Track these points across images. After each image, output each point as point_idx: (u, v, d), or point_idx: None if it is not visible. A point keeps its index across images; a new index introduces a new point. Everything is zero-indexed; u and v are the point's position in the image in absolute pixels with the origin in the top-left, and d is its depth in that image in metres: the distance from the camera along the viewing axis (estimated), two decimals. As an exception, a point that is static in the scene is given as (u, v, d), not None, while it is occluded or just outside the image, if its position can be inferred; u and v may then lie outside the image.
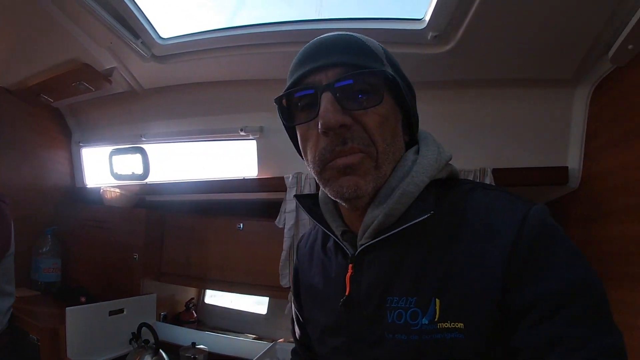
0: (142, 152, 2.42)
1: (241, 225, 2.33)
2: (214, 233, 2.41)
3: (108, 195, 2.46)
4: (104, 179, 2.61)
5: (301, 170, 2.08)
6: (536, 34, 1.39)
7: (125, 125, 2.45)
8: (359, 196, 0.64)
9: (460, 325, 0.57)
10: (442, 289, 0.60)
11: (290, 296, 2.00)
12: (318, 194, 0.82)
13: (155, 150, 2.46)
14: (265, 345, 2.16)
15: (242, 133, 2.12)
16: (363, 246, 0.67)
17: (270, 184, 2.15)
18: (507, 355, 0.55)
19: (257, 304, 2.72)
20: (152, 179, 2.47)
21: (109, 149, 2.52)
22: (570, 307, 0.52)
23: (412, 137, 0.75)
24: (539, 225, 0.57)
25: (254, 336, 2.55)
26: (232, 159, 2.34)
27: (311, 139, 0.66)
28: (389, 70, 0.66)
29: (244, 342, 2.33)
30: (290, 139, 0.79)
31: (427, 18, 1.41)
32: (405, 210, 0.64)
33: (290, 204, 2.05)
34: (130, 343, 2.04)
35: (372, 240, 0.66)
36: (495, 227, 0.59)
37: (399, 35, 1.50)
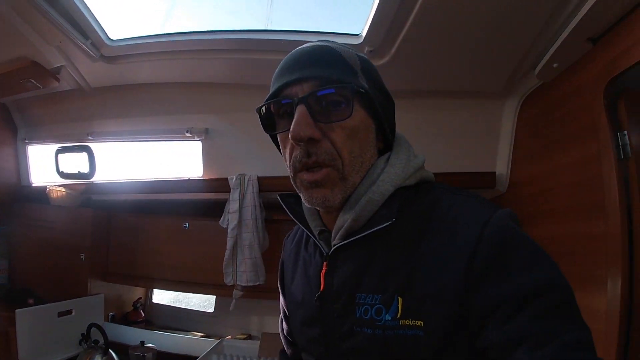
0: (88, 150, 2.48)
1: (187, 224, 2.45)
2: (160, 232, 2.51)
3: (54, 195, 2.50)
4: (50, 177, 2.64)
5: (245, 172, 2.20)
6: (468, 50, 1.53)
7: (72, 123, 2.50)
8: (328, 206, 0.71)
9: (420, 323, 0.62)
10: (405, 288, 0.65)
11: (235, 293, 2.15)
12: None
13: (102, 149, 2.53)
14: (212, 342, 2.28)
15: (188, 134, 2.22)
16: (336, 246, 0.73)
17: (214, 185, 2.26)
18: (469, 354, 0.60)
19: (204, 303, 2.84)
20: (98, 178, 2.53)
21: (55, 146, 2.57)
22: (535, 305, 0.54)
23: (387, 144, 0.80)
24: (500, 229, 0.61)
25: (202, 334, 2.65)
26: (179, 159, 2.43)
27: (287, 147, 0.71)
28: (363, 81, 0.71)
29: (192, 339, 2.45)
30: (274, 142, 0.82)
31: (364, 34, 1.53)
32: (371, 216, 0.70)
33: (233, 205, 2.17)
34: (80, 344, 2.11)
35: (343, 241, 0.72)
36: (458, 232, 0.63)
37: None
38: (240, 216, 2.17)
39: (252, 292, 2.22)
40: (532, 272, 0.57)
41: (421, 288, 0.64)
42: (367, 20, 1.47)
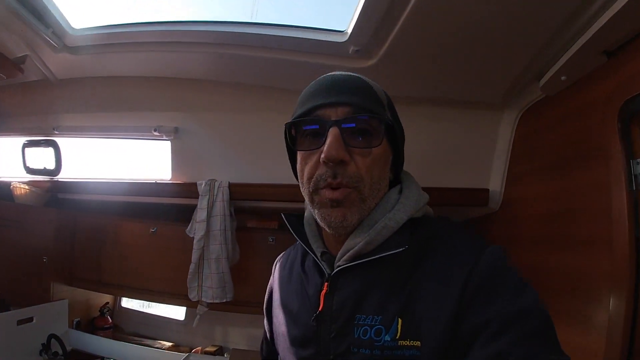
0: (54, 145, 2.29)
1: (155, 229, 2.24)
2: (127, 236, 2.31)
3: (17, 192, 2.31)
4: (15, 172, 2.46)
5: (215, 177, 1.99)
6: (465, 56, 1.34)
7: (38, 115, 2.29)
8: (345, 226, 0.73)
9: (418, 343, 0.65)
10: (404, 310, 0.68)
11: (200, 308, 1.96)
12: (304, 213, 0.90)
13: (69, 145, 2.33)
14: (179, 356, 2.11)
15: (156, 133, 1.99)
16: (340, 267, 0.75)
17: (182, 190, 2.06)
18: None
19: (175, 308, 2.65)
20: (65, 175, 2.34)
21: (22, 139, 2.37)
22: (519, 327, 0.58)
23: (395, 176, 0.84)
24: (493, 260, 0.66)
25: (171, 344, 2.50)
26: (149, 159, 2.24)
27: (310, 163, 0.74)
28: (389, 115, 0.76)
29: (159, 353, 2.28)
30: (289, 158, 0.86)
31: (349, 31, 1.38)
32: (383, 242, 0.72)
33: (201, 213, 1.96)
34: (40, 354, 1.96)
35: (349, 263, 0.74)
36: (455, 260, 0.68)
37: (321, 45, 1.45)
38: (208, 226, 1.96)
39: (221, 305, 2.02)
40: (517, 300, 0.61)
41: (420, 310, 0.67)
42: (353, 16, 1.33)
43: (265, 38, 1.51)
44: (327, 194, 0.72)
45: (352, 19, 1.32)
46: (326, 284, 0.77)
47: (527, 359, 0.56)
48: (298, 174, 0.80)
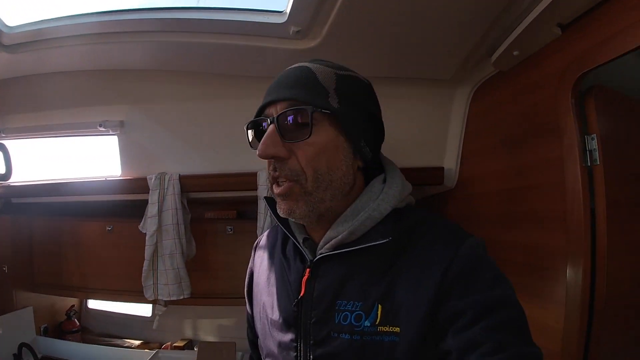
0: (3, 149, 2.11)
1: (111, 227, 2.13)
2: (84, 237, 2.20)
3: (-31, 201, 2.19)
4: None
5: (165, 170, 1.86)
6: (414, 32, 1.23)
7: (-18, 119, 2.15)
8: (295, 218, 0.75)
9: (397, 329, 0.66)
10: (384, 297, 0.68)
11: (158, 308, 1.87)
12: None
13: (20, 147, 2.16)
14: (148, 354, 2.04)
15: (102, 128, 1.84)
16: (322, 255, 0.75)
17: (133, 186, 1.91)
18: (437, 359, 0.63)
19: (142, 306, 2.57)
20: (16, 179, 2.17)
21: (-31, 145, 2.22)
22: (492, 317, 0.59)
23: (367, 162, 0.79)
24: (471, 251, 0.67)
25: (140, 341, 2.42)
26: (99, 156, 2.09)
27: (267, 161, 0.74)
28: (334, 101, 0.71)
29: (127, 352, 2.22)
30: None
31: (288, 11, 1.27)
32: (367, 232, 0.72)
33: (152, 208, 1.82)
34: None
35: (331, 251, 0.73)
36: (435, 250, 0.68)
37: (262, 28, 1.35)
38: (159, 221, 1.83)
39: (181, 300, 1.90)
40: (492, 292, 0.62)
41: (400, 297, 0.67)
42: None
43: (207, 23, 1.39)
44: (274, 189, 0.74)
45: (289, -2, 1.21)
46: (308, 270, 0.77)
47: (499, 347, 0.56)
48: None
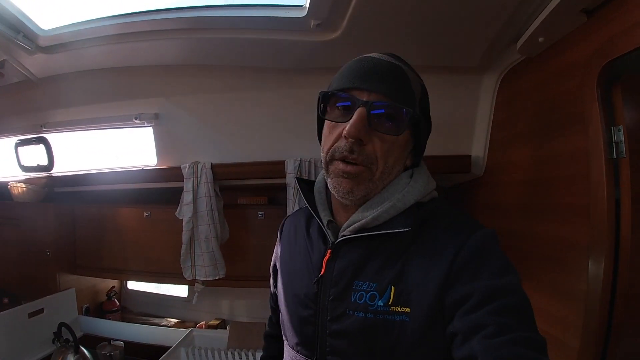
0: (45, 142, 2.16)
1: (149, 213, 2.16)
2: (123, 222, 2.24)
3: (15, 191, 2.24)
4: (12, 171, 2.35)
5: (199, 159, 1.88)
6: (436, 19, 1.19)
7: (25, 115, 2.17)
8: (351, 199, 0.75)
9: (407, 310, 0.68)
10: (397, 279, 0.70)
11: (197, 286, 1.92)
12: (314, 181, 0.91)
13: (60, 140, 2.21)
14: (183, 332, 2.08)
15: (137, 121, 1.87)
16: (344, 237, 0.77)
17: (169, 174, 1.95)
18: (444, 341, 0.65)
19: (178, 287, 2.61)
20: (58, 170, 2.23)
21: (14, 139, 2.25)
22: (498, 302, 0.60)
23: (413, 164, 0.82)
24: (481, 241, 0.67)
25: (177, 320, 2.47)
26: (136, 146, 2.11)
27: (333, 134, 0.74)
28: (417, 109, 0.76)
29: (163, 330, 2.26)
30: (318, 124, 0.85)
31: (307, 5, 1.25)
32: (389, 219, 0.74)
33: (187, 196, 1.86)
34: (53, 342, 1.91)
35: (353, 234, 0.75)
36: (447, 238, 0.70)
37: (283, 22, 1.33)
38: (195, 208, 1.87)
39: (218, 281, 1.96)
40: (499, 279, 0.63)
41: (411, 279, 0.69)
42: None
43: (231, 20, 1.39)
44: (341, 166, 0.73)
45: (308, -8, 1.18)
46: (329, 250, 0.79)
47: (502, 330, 0.56)
48: (322, 141, 0.80)
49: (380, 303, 0.70)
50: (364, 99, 0.71)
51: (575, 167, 1.04)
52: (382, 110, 0.71)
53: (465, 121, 1.60)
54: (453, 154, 1.65)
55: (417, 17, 1.18)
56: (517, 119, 1.35)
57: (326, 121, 0.78)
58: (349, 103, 0.72)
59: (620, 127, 0.91)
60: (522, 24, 1.14)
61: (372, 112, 0.70)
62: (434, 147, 1.59)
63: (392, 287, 0.70)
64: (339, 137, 0.73)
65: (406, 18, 1.19)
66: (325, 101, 0.77)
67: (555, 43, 1.11)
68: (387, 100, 0.71)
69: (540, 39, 1.11)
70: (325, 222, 0.83)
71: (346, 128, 0.70)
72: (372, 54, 0.78)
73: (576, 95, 1.01)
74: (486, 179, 1.61)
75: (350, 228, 0.76)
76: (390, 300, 0.69)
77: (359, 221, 0.75)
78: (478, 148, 1.61)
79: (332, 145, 0.75)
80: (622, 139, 0.90)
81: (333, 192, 0.78)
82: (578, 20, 1.00)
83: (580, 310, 0.99)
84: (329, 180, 0.78)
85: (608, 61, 0.89)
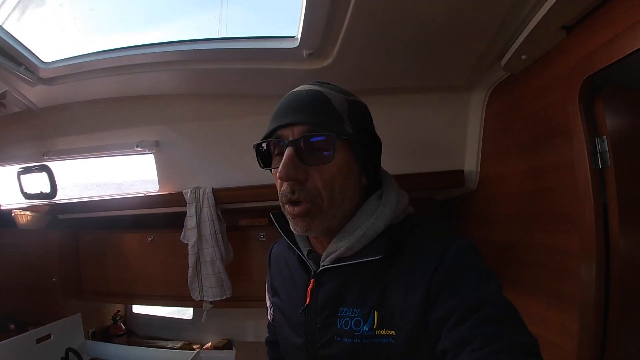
0: (47, 170, 2.19)
1: (152, 238, 2.19)
2: (127, 247, 2.26)
3: (19, 219, 2.25)
4: (16, 199, 2.37)
5: (199, 184, 1.91)
6: (422, 42, 1.22)
7: (27, 143, 2.19)
8: (312, 234, 0.77)
9: (392, 332, 0.69)
10: (379, 303, 0.71)
11: (205, 305, 1.93)
12: None
13: (62, 167, 2.24)
14: (189, 354, 2.08)
15: (138, 149, 1.90)
16: (325, 267, 0.77)
17: (171, 200, 1.97)
18: (433, 358, 0.65)
19: (183, 309, 2.63)
20: (61, 197, 2.25)
21: (16, 168, 2.27)
22: (480, 313, 0.59)
23: (370, 179, 0.81)
24: (456, 255, 0.67)
25: (183, 342, 2.46)
26: (139, 172, 2.16)
27: (278, 181, 0.74)
28: (348, 127, 0.73)
29: (170, 353, 2.26)
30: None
31: (299, 37, 1.28)
32: (362, 248, 0.73)
33: (191, 220, 1.88)
34: None
35: (332, 264, 0.76)
36: (423, 257, 0.69)
37: (277, 53, 1.37)
38: (199, 232, 1.89)
39: (223, 302, 1.98)
40: (479, 290, 0.63)
41: (393, 302, 0.70)
42: (300, 21, 1.22)
43: (228, 52, 1.42)
44: (289, 209, 0.74)
45: (299, 23, 1.22)
46: (312, 280, 0.80)
47: (488, 341, 0.56)
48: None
49: (366, 328, 0.71)
50: (289, 138, 0.71)
51: (563, 178, 1.06)
52: (310, 142, 0.70)
53: (457, 137, 1.63)
54: (447, 170, 1.68)
55: (404, 42, 1.21)
56: (506, 133, 1.39)
57: (272, 171, 0.77)
58: (279, 146, 0.73)
59: (604, 137, 0.94)
60: (506, 43, 1.18)
61: (298, 146, 0.70)
62: (428, 163, 1.66)
63: (375, 312, 0.71)
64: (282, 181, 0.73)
65: (394, 44, 1.22)
66: (260, 152, 0.77)
67: (538, 59, 1.14)
68: (311, 128, 0.70)
69: (523, 57, 1.14)
70: (305, 253, 0.83)
71: (278, 172, 0.70)
72: (295, 89, 0.78)
73: (560, 108, 1.04)
74: (480, 192, 1.64)
75: (329, 258, 0.77)
76: (375, 325, 0.71)
77: (335, 252, 0.75)
78: (470, 163, 1.64)
79: (280, 191, 0.75)
80: (607, 148, 0.93)
81: (296, 233, 0.79)
82: (558, 37, 1.03)
83: (575, 316, 1.02)
84: (290, 223, 0.78)
85: (588, 75, 0.92)
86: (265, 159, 0.78)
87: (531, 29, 1.03)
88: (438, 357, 0.64)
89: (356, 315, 0.73)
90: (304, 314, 0.80)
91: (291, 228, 0.78)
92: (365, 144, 0.78)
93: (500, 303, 0.61)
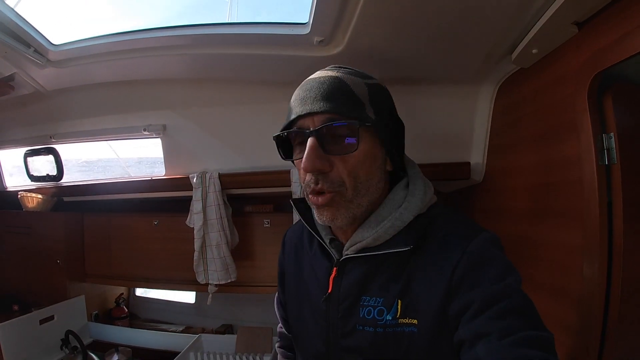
0: (54, 152, 2.23)
1: (157, 221, 2.20)
2: (132, 230, 2.27)
3: (26, 200, 2.28)
4: (23, 181, 2.42)
5: (207, 168, 1.93)
6: (434, 33, 1.21)
7: (35, 126, 2.23)
8: (337, 225, 0.74)
9: (415, 321, 0.69)
10: (403, 293, 0.71)
11: (210, 288, 1.95)
12: None
13: (69, 150, 2.28)
14: (191, 337, 2.10)
15: (145, 132, 1.93)
16: (348, 256, 0.77)
17: (177, 184, 1.99)
18: (453, 349, 0.65)
19: (186, 293, 2.66)
20: (68, 179, 2.29)
21: (23, 150, 2.31)
22: (498, 306, 0.60)
23: (395, 166, 0.81)
24: (479, 248, 0.67)
25: (185, 326, 2.50)
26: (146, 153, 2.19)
27: (301, 171, 0.73)
28: (370, 112, 0.72)
29: (172, 336, 2.28)
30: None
31: (310, 23, 1.28)
32: (390, 239, 0.73)
33: (197, 205, 1.91)
34: (61, 349, 1.97)
35: (356, 254, 0.76)
36: (447, 248, 0.69)
37: (287, 39, 1.37)
38: (204, 216, 1.92)
39: (227, 287, 2.01)
40: (499, 283, 0.63)
41: (416, 292, 0.70)
42: (311, 8, 1.22)
43: (237, 37, 1.42)
44: (313, 199, 0.73)
45: (310, 9, 1.22)
46: (335, 268, 0.80)
47: (506, 332, 0.57)
48: None
49: (389, 317, 0.72)
50: (310, 127, 0.70)
51: (570, 173, 1.07)
52: (334, 131, 0.69)
53: (464, 129, 1.64)
54: (453, 162, 1.69)
55: (416, 32, 1.21)
56: (514, 127, 1.39)
57: (295, 161, 0.77)
58: (300, 135, 0.73)
59: (612, 134, 0.94)
60: (517, 37, 1.18)
61: (320, 135, 0.69)
62: (434, 154, 1.68)
63: (399, 301, 0.71)
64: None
65: (405, 34, 1.22)
66: (280, 143, 0.77)
67: (549, 54, 1.15)
68: (332, 117, 0.69)
69: (534, 51, 1.15)
70: (327, 241, 0.83)
71: (302, 163, 0.69)
72: (312, 75, 0.78)
73: (568, 103, 1.05)
74: (485, 185, 1.65)
75: (353, 248, 0.77)
76: (398, 314, 0.71)
77: (360, 241, 0.75)
78: (477, 155, 1.65)
79: (303, 182, 0.74)
80: (613, 145, 0.94)
81: (322, 223, 0.77)
82: (569, 32, 1.03)
83: (576, 311, 1.04)
84: (314, 212, 0.78)
85: (598, 72, 0.93)
86: (285, 149, 0.78)
87: (543, 23, 1.03)
88: (455, 347, 0.65)
89: (379, 305, 0.73)
90: (325, 303, 0.80)
91: (316, 218, 0.77)
92: (389, 129, 0.77)
93: (519, 297, 0.62)
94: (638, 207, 0.96)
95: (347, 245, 0.79)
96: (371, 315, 0.73)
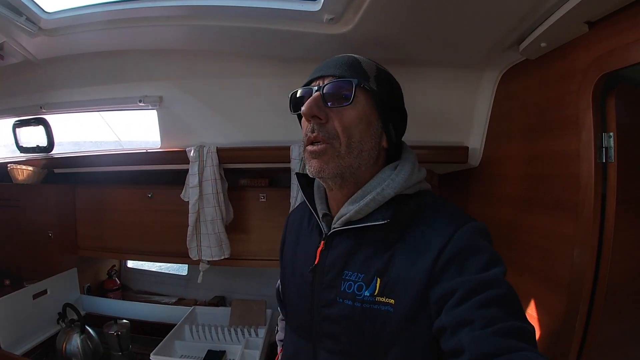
0: (44, 123, 2.18)
1: (151, 194, 2.19)
2: (125, 203, 2.26)
3: (15, 173, 2.23)
4: (12, 153, 2.37)
5: (204, 141, 1.93)
6: (445, 18, 1.22)
7: (25, 95, 2.15)
8: (323, 177, 0.80)
9: (392, 301, 0.73)
10: (383, 272, 0.75)
11: (202, 266, 1.98)
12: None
13: (60, 120, 2.22)
14: (185, 310, 2.15)
15: (141, 104, 1.90)
16: (335, 230, 0.83)
17: (174, 157, 1.98)
18: (428, 334, 0.69)
19: (178, 265, 2.69)
20: (58, 150, 2.26)
21: (11, 120, 2.26)
22: (481, 295, 0.62)
23: (392, 146, 0.87)
24: (466, 236, 0.71)
25: (177, 298, 2.54)
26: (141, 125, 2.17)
27: (304, 124, 0.83)
28: (373, 84, 0.80)
29: (166, 308, 2.32)
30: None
31: (322, 0, 1.27)
32: (370, 213, 0.79)
33: (193, 179, 1.90)
34: (58, 322, 2.00)
35: (342, 227, 0.82)
36: (432, 233, 0.73)
37: (296, 14, 1.36)
38: (200, 190, 1.92)
39: (220, 261, 2.02)
40: (482, 273, 0.66)
41: (396, 272, 0.74)
42: None
43: (244, 9, 1.39)
44: (308, 149, 0.80)
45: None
46: (322, 242, 0.86)
47: (490, 321, 0.59)
48: None
49: (367, 293, 0.76)
50: (319, 85, 0.80)
51: (566, 167, 1.12)
52: (332, 88, 0.78)
53: (464, 114, 1.67)
54: (451, 145, 1.73)
55: (428, 15, 1.21)
56: (515, 115, 1.43)
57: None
58: (308, 93, 0.81)
59: (611, 133, 0.99)
60: (527, 29, 1.20)
61: (324, 91, 0.78)
62: (432, 136, 1.72)
63: (378, 279, 0.75)
64: (307, 123, 0.80)
65: (418, 18, 1.23)
66: (293, 100, 0.86)
67: (556, 49, 1.18)
68: (337, 77, 0.79)
69: (542, 44, 1.17)
70: (320, 215, 0.89)
71: (302, 110, 0.78)
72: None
73: (572, 99, 1.09)
74: (481, 170, 1.70)
75: (339, 221, 0.82)
76: (376, 291, 0.75)
77: (345, 215, 0.81)
78: (475, 140, 1.69)
79: (304, 134, 0.82)
80: (612, 145, 0.99)
81: (310, 175, 0.83)
82: (580, 30, 1.05)
83: (563, 297, 1.11)
84: (307, 167, 0.83)
85: (605, 72, 0.97)
86: (296, 105, 0.84)
87: (556, 19, 1.05)
88: (435, 333, 0.68)
89: (359, 280, 0.77)
90: (311, 274, 0.86)
91: (307, 171, 0.83)
92: (389, 105, 0.83)
93: (504, 287, 0.64)
94: (631, 204, 1.02)
95: (335, 218, 0.85)
96: (351, 289, 0.78)
